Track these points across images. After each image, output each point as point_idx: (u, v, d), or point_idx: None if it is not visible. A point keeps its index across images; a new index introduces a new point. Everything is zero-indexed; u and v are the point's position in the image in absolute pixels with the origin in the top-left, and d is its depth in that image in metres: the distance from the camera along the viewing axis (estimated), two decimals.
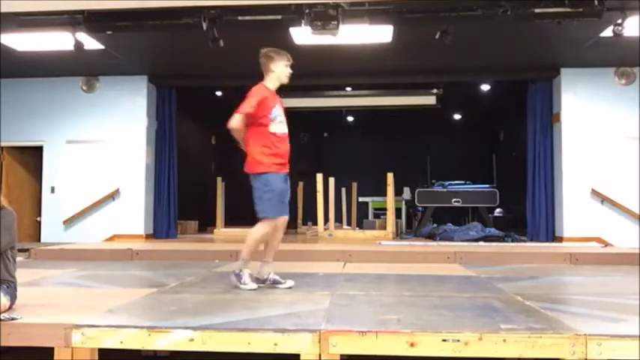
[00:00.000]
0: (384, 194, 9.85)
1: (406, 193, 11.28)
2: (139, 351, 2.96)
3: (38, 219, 9.49)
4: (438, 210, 10.58)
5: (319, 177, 9.74)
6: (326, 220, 9.83)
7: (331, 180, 9.96)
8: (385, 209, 10.10)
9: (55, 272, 5.38)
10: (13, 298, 3.25)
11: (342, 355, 2.80)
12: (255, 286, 4.20)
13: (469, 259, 6.37)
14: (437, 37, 6.53)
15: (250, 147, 4.25)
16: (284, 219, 4.32)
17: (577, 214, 8.67)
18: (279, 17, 6.11)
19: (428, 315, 3.24)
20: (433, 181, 11.13)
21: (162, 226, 9.50)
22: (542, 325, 2.94)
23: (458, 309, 3.46)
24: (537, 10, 5.85)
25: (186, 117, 11.64)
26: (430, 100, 11.19)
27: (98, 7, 6.03)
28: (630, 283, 4.68)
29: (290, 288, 4.27)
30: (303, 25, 5.97)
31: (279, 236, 4.39)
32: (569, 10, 5.78)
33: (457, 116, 14.48)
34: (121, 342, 2.87)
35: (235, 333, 2.83)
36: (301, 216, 12.11)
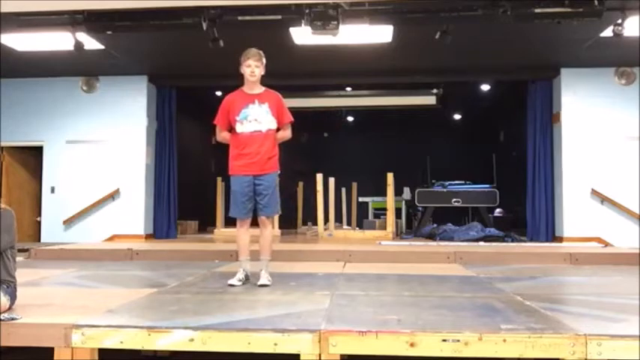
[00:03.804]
0: (384, 194, 9.84)
1: (406, 193, 11.27)
2: (139, 351, 2.95)
3: (38, 219, 9.49)
4: (438, 210, 10.58)
5: (319, 177, 9.75)
6: (326, 220, 9.83)
7: (331, 180, 9.96)
8: (385, 209, 10.10)
9: (55, 272, 5.38)
10: (13, 298, 3.25)
11: (342, 355, 2.80)
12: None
13: (469, 259, 6.37)
14: (437, 37, 6.53)
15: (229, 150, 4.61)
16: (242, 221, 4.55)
17: (577, 214, 8.67)
18: (279, 17, 6.11)
19: (428, 315, 3.24)
20: (433, 181, 11.12)
21: (162, 226, 9.50)
22: (542, 325, 2.94)
23: (458, 309, 3.46)
24: (537, 10, 5.84)
25: (186, 117, 11.64)
26: (430, 100, 11.20)
27: (98, 7, 6.03)
28: (630, 283, 4.68)
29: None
30: (303, 25, 5.96)
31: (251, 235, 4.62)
32: (569, 10, 5.78)
33: (457, 116, 14.48)
34: (121, 342, 2.87)
35: (235, 333, 2.83)
36: (301, 216, 12.11)
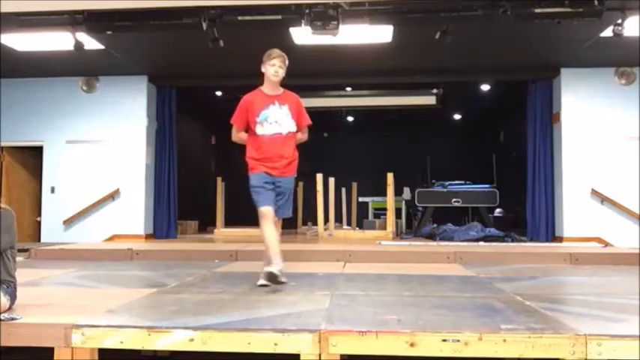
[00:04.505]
0: (384, 194, 9.84)
1: (406, 193, 11.28)
2: (139, 351, 2.95)
3: (38, 219, 9.50)
4: (438, 210, 10.58)
5: (319, 177, 9.75)
6: (326, 220, 9.83)
7: (331, 180, 9.96)
8: (385, 209, 10.10)
9: (55, 272, 5.38)
10: (13, 298, 3.25)
11: (342, 355, 2.80)
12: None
13: (469, 259, 6.37)
14: (437, 37, 6.53)
15: (246, 150, 4.45)
16: (267, 209, 4.29)
17: (577, 214, 8.67)
18: (279, 17, 6.11)
19: (428, 315, 3.23)
20: (433, 181, 11.13)
21: (162, 226, 9.51)
22: (542, 325, 2.94)
23: (458, 309, 3.46)
24: (537, 10, 5.85)
25: (186, 117, 11.64)
26: (430, 100, 11.21)
27: (98, 7, 6.03)
28: (630, 283, 4.68)
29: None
30: (303, 25, 5.97)
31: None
32: (569, 10, 5.78)
33: (457, 116, 14.49)
34: (121, 342, 2.87)
35: (235, 333, 2.83)
36: (301, 216, 12.11)
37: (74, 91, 9.41)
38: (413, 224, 11.50)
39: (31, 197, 9.70)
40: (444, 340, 2.73)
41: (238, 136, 4.50)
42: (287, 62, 4.39)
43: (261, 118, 4.33)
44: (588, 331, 2.75)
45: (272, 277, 4.12)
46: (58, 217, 9.24)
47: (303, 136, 4.60)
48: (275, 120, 4.33)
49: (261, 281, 4.25)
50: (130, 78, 9.33)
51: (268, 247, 4.28)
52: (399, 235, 10.26)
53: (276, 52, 4.36)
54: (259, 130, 4.34)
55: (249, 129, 4.43)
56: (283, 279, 4.20)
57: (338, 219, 10.72)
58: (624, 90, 8.73)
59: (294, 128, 4.44)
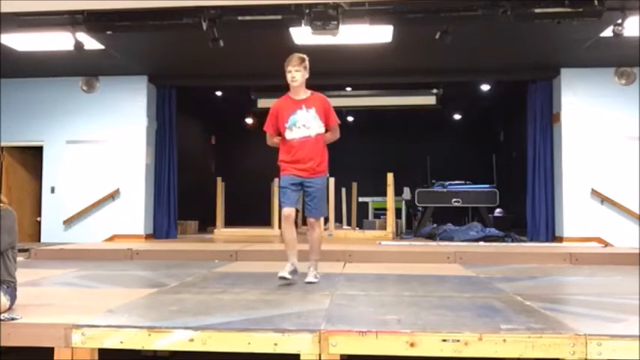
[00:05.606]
0: (384, 194, 9.84)
1: (406, 193, 11.27)
2: (139, 351, 2.96)
3: (38, 219, 9.49)
4: (438, 210, 10.58)
5: None
6: (326, 220, 9.83)
7: (331, 180, 9.95)
8: (385, 209, 10.10)
9: (55, 272, 5.38)
10: (13, 298, 3.25)
11: (342, 355, 2.80)
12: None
13: (469, 259, 6.38)
14: (437, 37, 6.53)
15: (279, 154, 4.61)
16: (288, 210, 4.50)
17: (577, 214, 8.67)
18: (279, 17, 6.11)
19: (428, 315, 3.24)
20: (433, 181, 11.12)
21: (162, 226, 9.50)
22: (542, 325, 2.94)
23: (458, 309, 3.46)
24: (537, 10, 5.85)
25: (186, 117, 11.64)
26: (430, 100, 11.19)
27: (98, 7, 6.03)
28: (630, 283, 4.68)
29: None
30: (303, 25, 5.97)
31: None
32: (569, 10, 5.79)
33: (457, 116, 14.47)
34: (121, 342, 2.87)
35: (235, 333, 2.84)
36: (301, 216, 12.10)
37: (74, 91, 9.41)
38: (413, 224, 11.50)
39: (31, 197, 9.69)
40: (444, 340, 2.73)
41: (272, 140, 4.67)
42: (306, 63, 4.46)
43: (290, 123, 4.46)
44: (588, 331, 2.75)
45: (282, 279, 4.38)
46: (58, 217, 9.23)
47: (332, 136, 4.71)
48: (303, 124, 4.45)
49: (309, 278, 4.56)
50: (130, 78, 9.33)
51: (286, 247, 4.58)
52: (399, 235, 10.26)
53: (290, 58, 4.44)
54: (289, 135, 4.47)
55: (280, 134, 4.55)
56: (290, 277, 4.43)
57: (338, 219, 10.72)
58: (624, 90, 8.73)
59: (322, 130, 4.54)
